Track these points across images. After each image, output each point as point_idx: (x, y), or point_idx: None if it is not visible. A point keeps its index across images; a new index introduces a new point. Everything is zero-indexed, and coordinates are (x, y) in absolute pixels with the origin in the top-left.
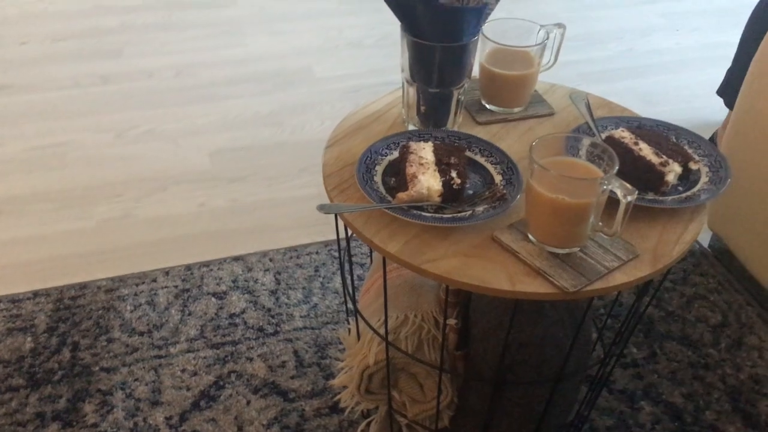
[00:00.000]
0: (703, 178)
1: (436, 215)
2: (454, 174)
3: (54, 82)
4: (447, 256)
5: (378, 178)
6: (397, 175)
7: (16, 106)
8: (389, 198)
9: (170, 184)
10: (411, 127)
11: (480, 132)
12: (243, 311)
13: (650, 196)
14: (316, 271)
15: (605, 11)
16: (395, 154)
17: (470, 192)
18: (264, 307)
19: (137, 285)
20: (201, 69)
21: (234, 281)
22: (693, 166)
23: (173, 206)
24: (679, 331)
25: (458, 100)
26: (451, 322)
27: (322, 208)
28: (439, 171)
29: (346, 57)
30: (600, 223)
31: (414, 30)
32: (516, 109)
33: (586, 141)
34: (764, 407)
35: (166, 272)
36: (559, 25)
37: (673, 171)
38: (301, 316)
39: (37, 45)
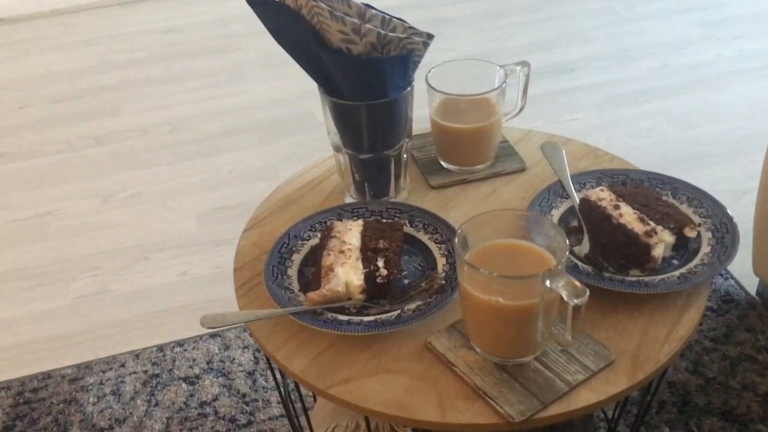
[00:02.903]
0: (704, 248)
1: (355, 319)
2: (380, 263)
3: (47, 147)
4: (364, 375)
5: (293, 271)
6: (316, 266)
7: (6, 176)
8: (303, 297)
9: (153, 252)
10: (348, 199)
11: (432, 199)
12: (215, 398)
13: (634, 274)
14: None
15: (635, 24)
16: (318, 237)
17: (406, 282)
18: (239, 392)
19: (104, 372)
20: (198, 122)
21: (209, 362)
22: (689, 233)
23: (153, 277)
24: (721, 404)
25: (399, 163)
26: (407, 431)
27: (205, 321)
28: (362, 260)
29: None
30: (554, 328)
31: (330, 88)
32: (479, 167)
33: (537, 218)
34: None
35: (137, 355)
36: (523, 64)
37: (662, 242)
38: (278, 402)
39: (35, 109)
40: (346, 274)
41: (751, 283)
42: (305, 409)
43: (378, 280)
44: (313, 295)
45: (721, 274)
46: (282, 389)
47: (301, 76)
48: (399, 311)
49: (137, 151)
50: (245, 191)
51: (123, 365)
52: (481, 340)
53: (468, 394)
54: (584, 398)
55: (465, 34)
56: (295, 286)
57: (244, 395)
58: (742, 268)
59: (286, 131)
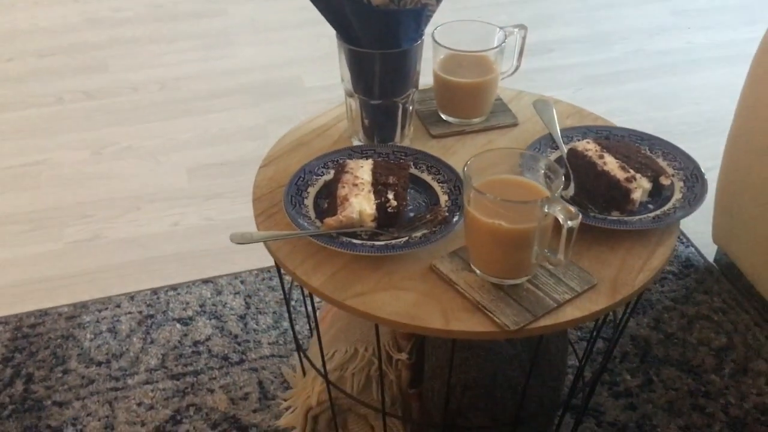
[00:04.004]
0: (677, 195)
1: (367, 243)
2: (390, 196)
3: (37, 99)
4: (377, 290)
5: (309, 201)
6: (331, 196)
7: None
8: (319, 223)
9: (144, 203)
10: (356, 143)
11: (433, 146)
12: (208, 338)
13: (614, 215)
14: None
15: (611, 10)
16: (332, 173)
17: (411, 215)
18: (231, 333)
19: (100, 311)
20: (187, 82)
21: (201, 306)
22: (664, 181)
23: (145, 226)
24: (678, 356)
25: (405, 112)
26: (402, 356)
27: (234, 237)
28: (374, 192)
29: (337, 66)
30: (546, 251)
31: (348, 37)
32: (475, 120)
33: (532, 156)
34: None
35: (131, 297)
36: (520, 27)
37: (640, 187)
38: (269, 343)
39: (24, 62)
40: (360, 203)
41: (709, 251)
42: (316, 325)
43: (389, 210)
44: (330, 220)
45: (683, 242)
46: (290, 313)
47: (288, 42)
48: (407, 238)
49: (127, 107)
50: (234, 150)
51: (118, 305)
52: (481, 262)
53: (468, 308)
54: (570, 314)
55: (448, 11)
56: (312, 214)
57: (236, 336)
58: (702, 237)
59: (274, 95)
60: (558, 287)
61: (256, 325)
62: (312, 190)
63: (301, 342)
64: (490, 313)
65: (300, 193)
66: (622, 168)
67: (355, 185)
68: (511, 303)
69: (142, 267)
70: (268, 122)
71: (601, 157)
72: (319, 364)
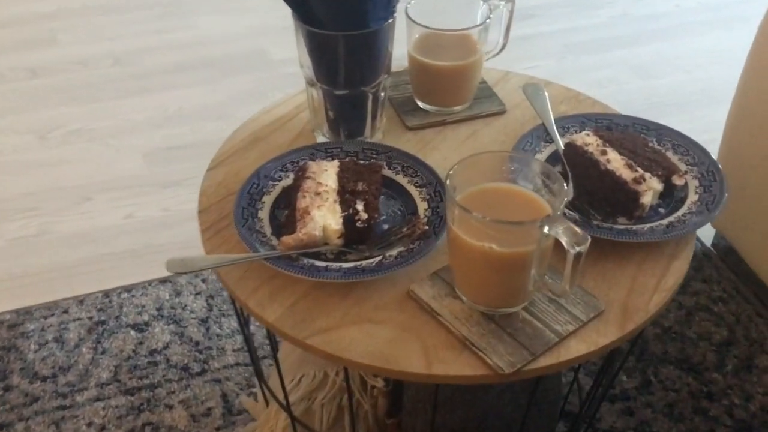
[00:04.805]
0: (692, 196)
1: (333, 266)
2: (360, 206)
3: None
4: (344, 324)
5: (265, 213)
6: (290, 208)
7: None
8: (276, 241)
9: (96, 192)
10: (320, 139)
11: (409, 140)
12: (166, 346)
13: (621, 223)
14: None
15: None
16: (291, 178)
17: (385, 227)
18: (191, 340)
19: (45, 318)
20: (142, 56)
21: (159, 309)
22: (677, 181)
23: (97, 219)
24: (677, 352)
25: (376, 102)
26: (377, 382)
27: (171, 265)
28: (340, 203)
29: None
30: (547, 277)
31: (307, 16)
32: (457, 108)
33: (526, 160)
34: None
35: (81, 301)
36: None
37: (651, 189)
38: (234, 350)
39: None
40: (324, 217)
41: (707, 235)
42: (275, 356)
43: (358, 224)
44: (287, 239)
45: None
46: (248, 339)
47: (252, 10)
48: (380, 257)
49: (77, 84)
50: (195, 131)
51: (66, 311)
52: (468, 289)
53: (454, 345)
54: (574, 349)
55: None
56: (267, 229)
57: (197, 343)
58: None
59: (238, 69)
60: (559, 316)
61: (220, 329)
62: (268, 199)
63: (265, 362)
64: (480, 352)
65: (254, 203)
66: (629, 166)
67: (318, 194)
68: (505, 338)
69: (92, 266)
70: (231, 100)
71: (604, 153)
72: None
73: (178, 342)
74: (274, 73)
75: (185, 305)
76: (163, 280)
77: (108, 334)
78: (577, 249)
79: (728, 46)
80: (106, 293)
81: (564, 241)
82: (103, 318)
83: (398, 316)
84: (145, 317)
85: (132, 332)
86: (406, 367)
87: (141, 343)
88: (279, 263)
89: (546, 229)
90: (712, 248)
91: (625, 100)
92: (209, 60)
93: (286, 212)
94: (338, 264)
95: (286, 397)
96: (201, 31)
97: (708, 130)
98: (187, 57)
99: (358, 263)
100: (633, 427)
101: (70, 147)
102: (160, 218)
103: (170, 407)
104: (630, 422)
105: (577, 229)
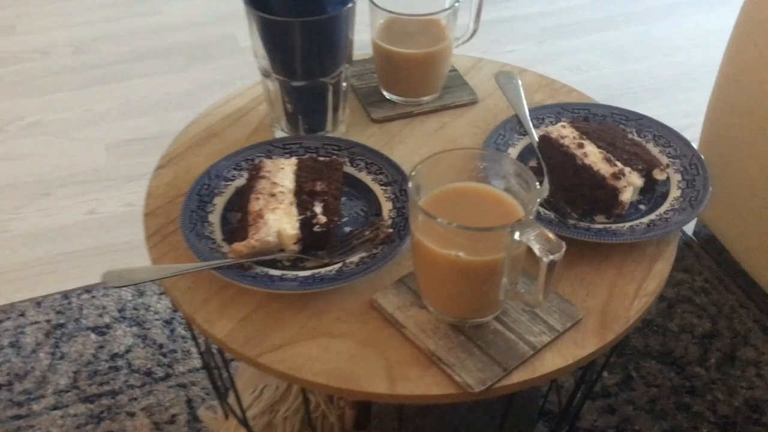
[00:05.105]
0: (674, 191)
1: (289, 274)
2: (318, 209)
3: None
4: (300, 339)
5: (216, 217)
6: (242, 212)
7: None
8: (227, 248)
9: (55, 188)
10: (278, 134)
11: (374, 133)
12: (128, 350)
13: (599, 221)
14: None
15: None
16: (246, 177)
17: (347, 230)
18: (155, 342)
19: (1, 321)
20: (105, 43)
21: (120, 311)
22: (659, 175)
23: (56, 216)
24: (659, 346)
25: (338, 93)
26: None
27: (108, 278)
28: (297, 205)
29: None
30: (519, 286)
31: (258, 1)
32: (425, 98)
33: (497, 157)
34: None
35: (38, 303)
36: None
37: (630, 185)
38: (200, 353)
39: None
40: (279, 221)
41: (689, 224)
42: (228, 371)
43: (315, 228)
44: (239, 246)
45: None
46: (202, 353)
47: None
48: (340, 264)
49: (36, 74)
50: (160, 121)
51: (23, 314)
52: (435, 299)
53: (420, 361)
54: (550, 363)
55: None
56: (218, 235)
57: (161, 346)
58: None
59: (205, 56)
60: (533, 326)
61: (185, 331)
62: (220, 201)
63: (232, 365)
64: (447, 368)
65: (204, 206)
66: (607, 160)
67: (273, 195)
68: (475, 352)
69: (51, 266)
70: (198, 89)
71: (581, 146)
72: (246, 402)
73: (141, 345)
74: (243, 61)
75: (149, 306)
76: None
77: (67, 338)
78: (551, 257)
79: (708, 29)
80: (66, 294)
81: (536, 248)
82: (61, 321)
83: (360, 330)
84: (106, 319)
85: (92, 335)
86: (368, 387)
87: (102, 347)
88: (229, 273)
89: (517, 236)
90: (693, 237)
91: (604, 85)
92: (175, 47)
93: (239, 216)
94: (294, 272)
95: (244, 414)
96: (166, 17)
97: (688, 114)
98: (152, 44)
99: (317, 271)
100: (614, 425)
101: (28, 140)
102: (124, 214)
103: (132, 415)
104: (611, 420)
105: (551, 235)
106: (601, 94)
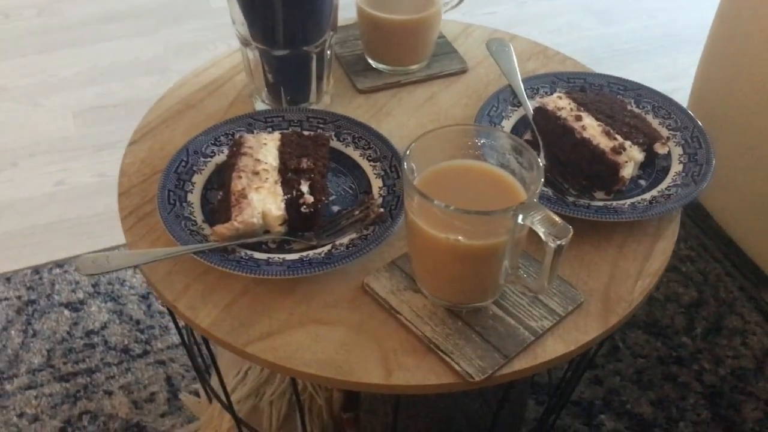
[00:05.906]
0: (675, 166)
1: (275, 258)
2: (304, 188)
3: None
4: (289, 327)
5: (195, 197)
6: (224, 191)
7: None
8: (209, 230)
9: (22, 158)
10: (259, 106)
11: (361, 105)
12: (104, 326)
13: (599, 198)
14: None
15: None
16: (226, 153)
17: (335, 210)
18: (132, 318)
19: None
20: (69, 4)
21: (95, 285)
22: (660, 149)
23: (23, 187)
24: (645, 315)
25: (322, 62)
26: None
27: (82, 265)
28: (282, 183)
29: None
30: (521, 270)
31: None
32: (413, 67)
33: (494, 133)
34: (750, 412)
35: (8, 279)
36: None
37: (631, 160)
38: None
39: None
40: (263, 201)
41: None
42: (212, 354)
43: (303, 209)
44: (221, 228)
45: None
46: (181, 328)
47: None
48: (329, 247)
49: None
50: (130, 86)
51: None
52: (431, 283)
53: (416, 348)
54: (552, 349)
55: None
56: (198, 216)
57: (138, 322)
58: None
59: (176, 17)
60: (533, 310)
61: (162, 306)
62: (199, 179)
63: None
64: (446, 356)
65: (182, 185)
66: (607, 134)
67: (256, 173)
68: (474, 338)
69: (20, 239)
70: (168, 52)
71: (579, 118)
72: (230, 386)
73: (117, 321)
74: (216, 22)
75: (123, 280)
76: (99, 253)
77: (39, 314)
78: (558, 242)
79: None
80: (36, 269)
81: (542, 232)
82: (33, 297)
83: (351, 316)
84: (80, 295)
85: (66, 312)
86: (362, 377)
87: (76, 324)
88: (212, 257)
89: (520, 219)
90: None
91: (586, 47)
92: (144, 8)
93: (220, 195)
94: (281, 256)
95: (228, 398)
96: None
97: (675, 77)
98: (120, 5)
99: (304, 254)
100: (602, 396)
101: None
102: (95, 184)
103: (110, 393)
104: (599, 392)
105: (557, 219)
106: (584, 57)
